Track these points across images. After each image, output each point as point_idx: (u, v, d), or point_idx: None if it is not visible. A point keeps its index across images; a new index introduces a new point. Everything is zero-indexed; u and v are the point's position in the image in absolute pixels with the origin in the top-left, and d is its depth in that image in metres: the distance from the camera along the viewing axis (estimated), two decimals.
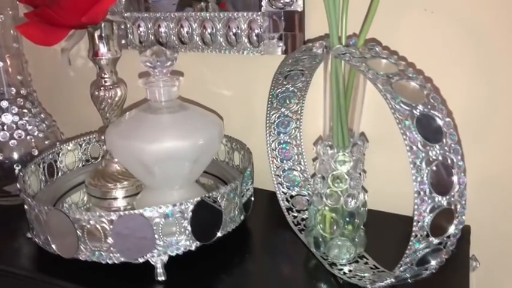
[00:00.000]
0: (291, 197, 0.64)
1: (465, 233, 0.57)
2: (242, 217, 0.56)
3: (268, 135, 0.63)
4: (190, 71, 0.71)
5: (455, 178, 0.39)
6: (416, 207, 0.38)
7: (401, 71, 0.43)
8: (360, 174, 0.51)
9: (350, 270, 0.51)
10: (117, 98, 0.60)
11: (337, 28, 0.46)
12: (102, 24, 0.57)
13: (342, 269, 0.51)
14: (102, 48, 0.58)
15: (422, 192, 0.38)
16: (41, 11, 0.51)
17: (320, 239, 0.53)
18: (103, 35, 0.57)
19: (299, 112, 0.63)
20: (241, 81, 0.69)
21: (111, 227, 0.47)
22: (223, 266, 0.53)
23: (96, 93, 0.60)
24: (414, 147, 0.38)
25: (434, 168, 0.38)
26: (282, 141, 0.64)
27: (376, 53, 0.45)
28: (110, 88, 0.60)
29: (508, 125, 0.56)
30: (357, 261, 0.53)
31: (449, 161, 0.39)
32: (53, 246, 0.50)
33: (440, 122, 0.39)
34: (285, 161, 0.65)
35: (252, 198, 0.59)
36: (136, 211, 0.47)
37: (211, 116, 0.57)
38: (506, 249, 0.61)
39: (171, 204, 0.47)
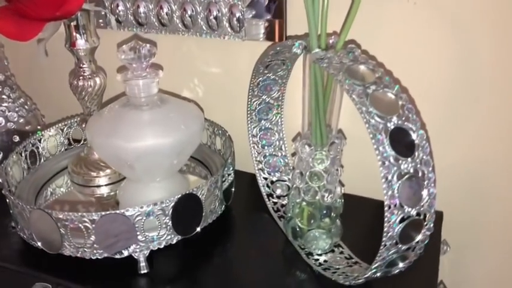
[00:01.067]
0: (272, 182, 0.65)
1: (437, 218, 0.59)
2: (223, 208, 0.58)
3: (249, 122, 0.64)
4: (171, 55, 0.70)
5: (425, 190, 0.40)
6: (386, 219, 0.39)
7: (379, 78, 0.43)
8: (337, 169, 0.53)
9: (325, 261, 0.54)
10: (96, 87, 0.60)
11: (316, 30, 0.46)
12: (79, 14, 0.55)
13: (318, 259, 0.54)
14: (79, 39, 0.57)
15: (392, 206, 0.39)
16: (14, 6, 0.50)
17: (298, 230, 0.55)
18: (79, 25, 0.56)
19: (280, 99, 0.63)
20: (222, 66, 0.69)
21: (93, 226, 0.48)
22: (205, 256, 0.55)
23: (75, 82, 0.59)
24: (386, 162, 0.39)
25: (405, 181, 0.39)
26: (263, 128, 0.65)
27: (354, 58, 0.45)
28: (89, 78, 0.59)
29: (482, 116, 0.57)
30: (332, 251, 0.55)
31: (420, 174, 0.40)
32: (38, 243, 0.51)
33: (413, 135, 0.40)
34: (266, 147, 0.66)
35: (233, 189, 0.61)
36: (117, 211, 0.48)
37: (191, 109, 0.57)
38: (477, 233, 0.64)
39: (152, 204, 0.49)
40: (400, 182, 0.39)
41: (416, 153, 0.40)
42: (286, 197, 0.63)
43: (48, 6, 0.50)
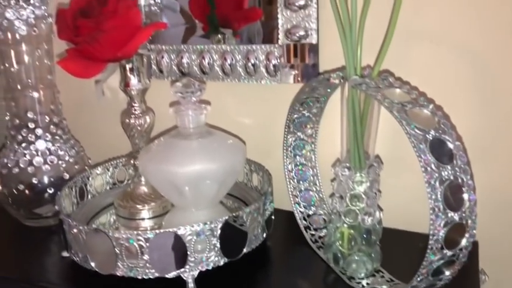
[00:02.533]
0: (308, 216, 0.67)
1: (473, 247, 0.60)
2: (264, 235, 0.60)
3: (285, 157, 0.67)
4: (211, 99, 0.76)
5: (465, 196, 0.43)
6: (431, 222, 0.42)
7: (414, 99, 0.47)
8: (375, 193, 0.56)
9: (368, 284, 0.55)
10: (146, 125, 0.65)
11: (353, 60, 0.51)
12: (134, 58, 0.62)
13: (360, 282, 0.55)
14: (133, 80, 0.62)
15: (436, 209, 0.42)
16: (82, 47, 0.56)
17: (339, 255, 0.57)
18: (134, 67, 0.62)
19: (314, 136, 0.68)
20: (258, 108, 0.74)
21: (147, 244, 0.51)
22: (248, 281, 0.56)
23: (127, 121, 0.64)
24: (429, 168, 0.42)
25: (447, 186, 0.42)
26: (298, 163, 0.69)
27: (389, 83, 0.50)
28: (140, 116, 0.64)
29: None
30: (373, 275, 0.56)
31: (459, 180, 0.43)
32: (92, 263, 0.54)
33: (450, 145, 0.44)
34: (301, 182, 0.69)
35: (273, 217, 0.63)
36: (170, 229, 0.51)
37: (235, 140, 0.62)
38: None
39: (202, 223, 0.51)
40: (442, 187, 0.42)
41: (454, 162, 0.43)
42: (323, 229, 0.66)
43: (112, 47, 0.56)
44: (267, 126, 0.74)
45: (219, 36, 0.76)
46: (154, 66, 0.77)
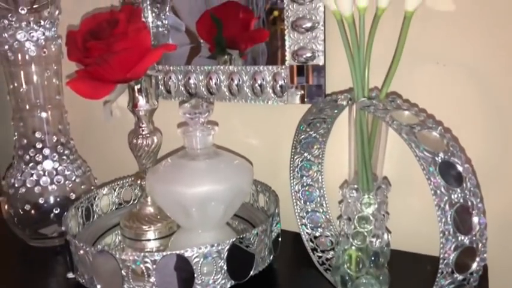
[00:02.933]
0: (315, 237, 0.67)
1: (484, 271, 0.60)
2: (271, 257, 0.60)
3: (292, 178, 0.67)
4: (218, 119, 0.76)
5: (475, 219, 0.42)
6: (441, 245, 0.41)
7: (422, 121, 0.47)
8: (383, 215, 0.55)
9: None
10: (153, 146, 0.65)
11: (361, 82, 0.51)
12: (142, 79, 0.62)
13: None
14: (141, 101, 0.63)
15: (446, 232, 0.41)
16: (91, 69, 0.57)
17: (347, 278, 0.56)
18: (142, 88, 0.63)
19: (320, 156, 0.67)
20: (265, 129, 0.74)
21: (154, 266, 0.50)
22: None
23: (135, 141, 0.65)
24: (438, 191, 0.42)
25: (456, 209, 0.42)
26: (305, 184, 0.68)
27: (397, 105, 0.50)
28: (147, 136, 0.65)
29: None
30: None
31: (469, 203, 0.43)
32: (98, 286, 0.53)
33: (460, 168, 0.44)
34: (308, 203, 0.68)
35: (279, 239, 0.63)
36: (177, 251, 0.50)
37: (242, 161, 0.62)
38: None
39: (209, 245, 0.51)
40: (452, 210, 0.42)
41: (464, 185, 0.43)
42: (330, 251, 0.65)
43: (122, 68, 0.56)
44: (274, 147, 0.74)
45: (226, 57, 0.77)
46: (161, 87, 0.78)
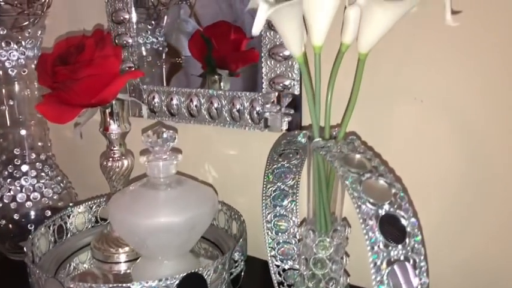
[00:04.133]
0: (283, 270, 0.65)
1: None
2: None
3: (264, 207, 0.66)
4: (194, 141, 0.76)
5: (416, 279, 0.40)
6: None
7: (374, 167, 0.45)
8: (342, 258, 0.53)
9: None
10: (123, 168, 0.65)
11: (317, 122, 0.49)
12: (113, 102, 0.62)
13: None
14: (112, 124, 0.63)
15: None
16: (57, 93, 0.57)
17: None
18: (114, 112, 0.63)
19: (295, 186, 0.66)
20: (241, 152, 0.73)
21: None
22: None
23: (105, 163, 0.65)
24: (375, 248, 0.40)
25: (394, 268, 0.39)
26: (278, 214, 0.67)
27: (353, 148, 0.48)
28: (118, 159, 0.65)
29: (497, 211, 0.56)
30: None
31: (411, 261, 0.40)
32: None
33: (404, 222, 0.41)
34: (280, 234, 0.67)
35: (242, 274, 0.62)
36: (124, 285, 0.50)
37: (205, 191, 0.61)
38: None
39: (157, 280, 0.50)
40: (389, 268, 0.39)
41: (407, 241, 0.41)
42: None
43: (86, 94, 0.56)
44: (251, 171, 0.73)
45: (216, 77, 0.76)
46: (143, 106, 0.78)
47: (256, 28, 0.37)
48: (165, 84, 0.79)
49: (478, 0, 0.51)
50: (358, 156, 0.46)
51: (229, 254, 0.57)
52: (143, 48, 0.80)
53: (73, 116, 0.58)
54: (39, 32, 0.69)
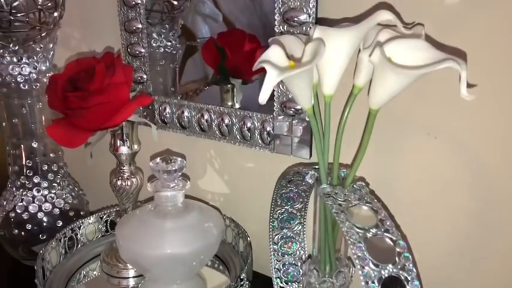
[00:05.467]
0: None
1: None
2: None
3: (271, 229, 0.66)
4: (208, 156, 0.76)
5: None
6: None
7: (381, 221, 0.44)
8: None
9: None
10: (133, 187, 0.66)
11: (325, 168, 0.49)
12: (123, 124, 0.62)
13: None
14: (122, 146, 0.63)
15: None
16: (67, 119, 0.57)
17: None
18: (123, 133, 0.63)
19: (303, 209, 0.66)
20: (254, 172, 0.73)
21: None
22: None
23: (115, 181, 0.65)
24: None
25: None
26: (285, 236, 0.67)
27: (360, 197, 0.47)
28: (127, 178, 0.65)
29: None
30: None
31: None
32: None
33: (407, 285, 0.41)
34: (286, 256, 0.67)
35: None
36: None
37: (212, 219, 0.61)
38: None
39: None
40: None
41: None
42: None
43: (97, 121, 0.56)
44: (261, 190, 0.73)
45: (228, 86, 0.75)
46: (157, 116, 0.78)
47: (264, 97, 0.36)
48: (177, 77, 0.79)
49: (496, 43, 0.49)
50: (365, 207, 0.46)
51: (234, 284, 0.58)
52: (157, 51, 0.79)
53: (83, 140, 0.58)
54: (51, 45, 0.68)
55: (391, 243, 0.43)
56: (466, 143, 0.55)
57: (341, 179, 0.51)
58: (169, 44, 0.81)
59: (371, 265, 0.41)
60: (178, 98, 0.76)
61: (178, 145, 0.78)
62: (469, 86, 0.36)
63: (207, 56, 0.78)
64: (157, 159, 0.57)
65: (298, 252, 0.67)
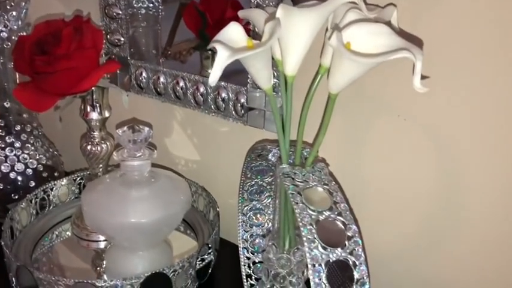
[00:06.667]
0: (254, 263, 0.67)
1: None
2: (196, 285, 0.61)
3: (240, 201, 0.66)
4: (183, 124, 0.75)
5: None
6: None
7: (335, 203, 0.45)
8: (302, 273, 0.54)
9: None
10: (103, 153, 0.66)
11: (286, 151, 0.48)
12: (93, 89, 0.61)
13: None
14: (92, 111, 0.62)
15: None
16: (36, 81, 0.56)
17: None
18: (93, 99, 0.62)
19: (273, 183, 0.66)
20: (226, 144, 0.73)
21: None
22: None
23: (85, 146, 0.65)
24: None
25: None
26: (254, 208, 0.67)
27: (319, 177, 0.47)
28: (97, 144, 0.65)
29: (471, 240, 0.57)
30: None
31: None
32: None
33: (355, 270, 0.42)
34: (254, 227, 0.68)
35: (209, 270, 0.63)
36: (89, 281, 0.52)
37: (179, 190, 0.61)
38: None
39: (121, 278, 0.53)
40: None
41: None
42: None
43: (63, 86, 0.56)
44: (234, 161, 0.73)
45: (209, 53, 0.74)
46: (133, 81, 0.76)
47: (213, 79, 0.36)
48: (159, 39, 0.77)
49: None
50: (320, 189, 0.46)
51: (197, 254, 0.59)
52: (138, 12, 0.77)
53: (50, 104, 0.57)
54: (23, 3, 0.66)
55: (343, 226, 0.43)
56: (435, 127, 0.54)
57: (303, 158, 0.51)
58: (151, 5, 0.78)
59: (320, 248, 0.41)
60: (161, 60, 0.75)
61: (153, 112, 0.78)
62: (423, 77, 0.35)
63: (188, 20, 0.76)
64: (124, 128, 0.57)
65: (266, 224, 0.68)
